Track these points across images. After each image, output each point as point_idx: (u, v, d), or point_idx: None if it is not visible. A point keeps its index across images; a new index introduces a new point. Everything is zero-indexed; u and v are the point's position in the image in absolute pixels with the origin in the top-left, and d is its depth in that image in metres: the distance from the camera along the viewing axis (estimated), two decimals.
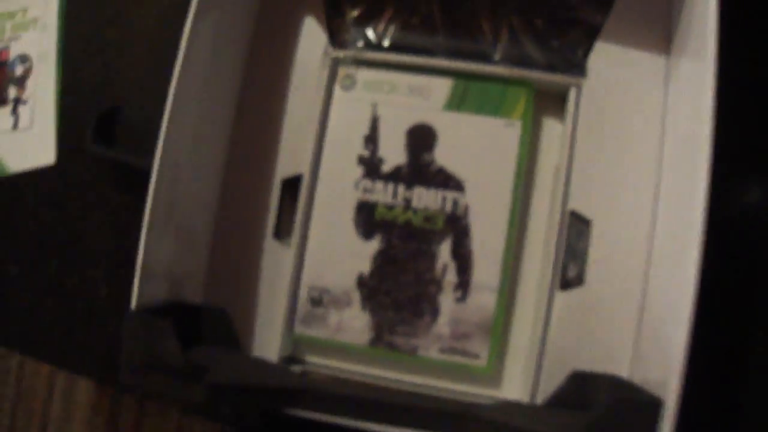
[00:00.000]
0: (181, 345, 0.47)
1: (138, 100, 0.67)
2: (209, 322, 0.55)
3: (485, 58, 0.56)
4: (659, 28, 0.55)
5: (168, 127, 0.51)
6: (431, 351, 0.55)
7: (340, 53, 0.58)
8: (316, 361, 0.57)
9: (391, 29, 0.58)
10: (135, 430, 0.76)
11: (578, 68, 0.55)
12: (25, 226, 0.69)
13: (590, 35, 0.55)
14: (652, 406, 0.43)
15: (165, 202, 0.52)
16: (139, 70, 0.67)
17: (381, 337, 0.55)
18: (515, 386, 0.55)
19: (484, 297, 0.54)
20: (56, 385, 0.84)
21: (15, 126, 0.70)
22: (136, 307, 0.49)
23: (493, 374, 0.55)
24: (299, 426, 0.56)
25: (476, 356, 0.54)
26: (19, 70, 0.70)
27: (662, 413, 0.42)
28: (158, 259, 0.51)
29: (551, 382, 0.53)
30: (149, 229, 0.50)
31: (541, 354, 0.53)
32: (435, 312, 0.55)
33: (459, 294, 0.55)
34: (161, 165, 0.50)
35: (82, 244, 0.67)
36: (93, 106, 0.67)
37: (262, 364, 0.53)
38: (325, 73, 0.58)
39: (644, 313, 0.52)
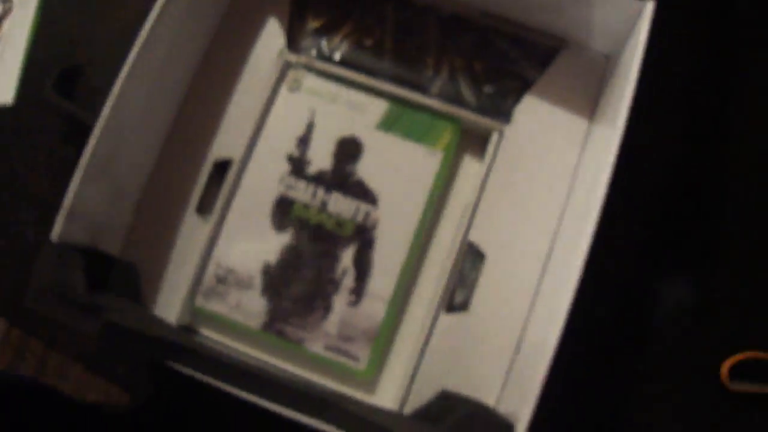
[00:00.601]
0: (87, 281, 0.51)
1: (103, 64, 0.70)
2: (119, 274, 0.58)
3: (422, 89, 0.60)
4: (588, 96, 0.59)
5: (121, 88, 0.54)
6: (316, 346, 0.58)
7: (294, 57, 0.62)
8: (209, 335, 0.60)
9: (344, 45, 0.62)
10: (37, 371, 0.78)
11: (504, 115, 0.59)
12: None
13: (522, 88, 0.60)
14: (501, 428, 0.47)
15: (102, 155, 0.55)
16: (111, 35, 0.70)
17: (273, 324, 0.58)
18: (387, 395, 0.58)
19: (375, 306, 0.58)
20: None
21: None
22: (54, 241, 0.53)
23: (369, 380, 0.58)
24: (186, 390, 0.59)
25: (357, 359, 0.58)
26: None
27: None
28: (84, 204, 0.55)
29: (421, 397, 0.56)
30: (81, 174, 0.53)
31: (416, 369, 0.56)
32: (327, 310, 0.58)
33: (353, 298, 0.58)
34: (107, 120, 0.54)
35: (18, 186, 0.70)
36: (60, 59, 0.71)
37: (157, 320, 0.57)
38: (276, 73, 0.62)
39: (519, 349, 0.56)
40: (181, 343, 0.53)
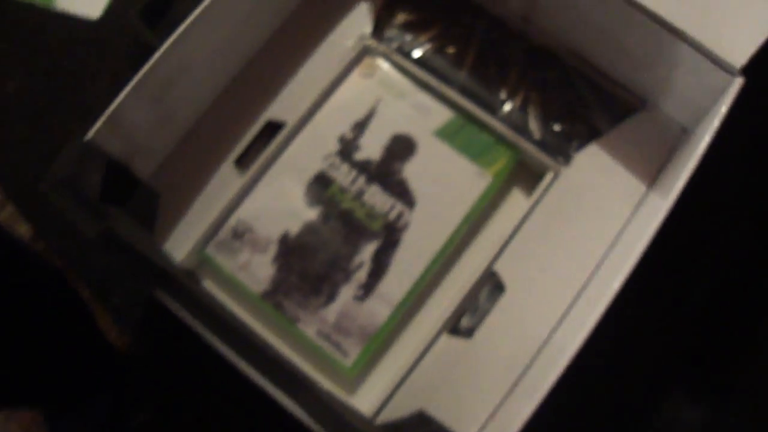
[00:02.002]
0: (103, 188, 0.50)
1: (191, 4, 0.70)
2: (139, 198, 0.58)
3: (491, 109, 0.59)
4: (654, 161, 0.58)
5: (194, 21, 0.54)
6: (310, 329, 0.56)
7: (375, 44, 0.61)
8: (208, 286, 0.59)
9: (426, 47, 0.61)
10: None
11: (564, 157, 0.57)
12: (35, 47, 0.72)
13: (590, 135, 0.58)
14: None
15: (159, 78, 0.55)
16: None
17: (274, 294, 0.57)
18: (365, 399, 0.55)
19: (380, 307, 0.56)
20: None
21: None
22: (86, 139, 0.52)
23: (352, 378, 0.56)
24: (172, 334, 0.58)
25: (345, 354, 0.56)
26: None
27: None
28: (128, 118, 0.54)
29: (397, 412, 0.54)
30: (133, 85, 0.53)
31: (402, 381, 0.54)
32: (331, 297, 0.56)
33: (360, 293, 0.56)
34: (172, 44, 0.54)
35: (75, 97, 0.71)
36: None
37: (160, 252, 0.56)
38: (353, 55, 0.61)
39: (513, 391, 0.53)
40: (176, 277, 0.52)
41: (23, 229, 0.80)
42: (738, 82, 0.49)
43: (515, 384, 0.54)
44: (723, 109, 0.49)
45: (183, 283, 0.52)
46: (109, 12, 0.73)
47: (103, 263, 0.68)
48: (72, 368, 0.84)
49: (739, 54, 0.50)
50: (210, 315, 0.52)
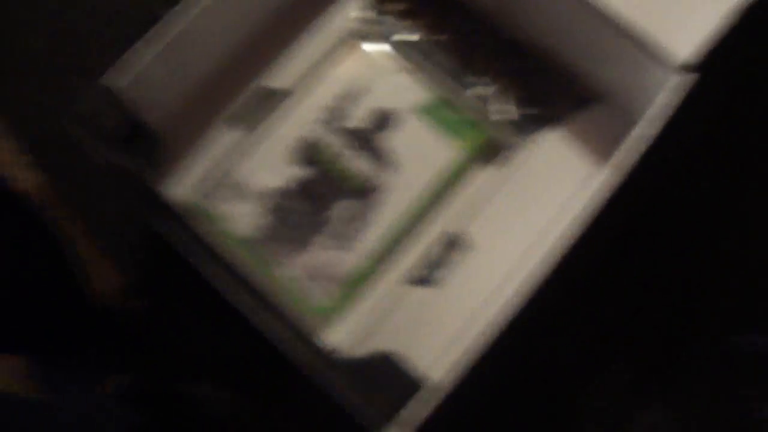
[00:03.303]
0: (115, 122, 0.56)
1: None
2: (143, 140, 0.63)
3: (463, 89, 0.66)
4: (603, 147, 0.63)
5: None
6: (286, 273, 0.61)
7: (364, 26, 0.69)
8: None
9: (411, 33, 0.68)
10: None
11: (526, 136, 0.64)
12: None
13: (549, 119, 0.65)
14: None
15: (171, 37, 0.60)
16: None
17: (254, 241, 0.62)
18: (335, 338, 0.60)
19: (353, 257, 0.62)
20: None
21: None
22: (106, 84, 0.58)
23: (322, 321, 0.61)
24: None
25: (318, 299, 0.61)
26: None
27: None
28: (142, 64, 0.60)
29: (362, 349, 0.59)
30: (145, 41, 0.59)
31: (367, 324, 0.60)
32: (309, 245, 0.62)
33: (336, 243, 0.62)
34: (183, 7, 0.60)
35: (86, 66, 0.76)
36: None
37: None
38: (346, 33, 0.68)
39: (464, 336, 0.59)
40: (175, 211, 0.57)
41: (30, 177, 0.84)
42: (678, 79, 0.56)
43: (466, 329, 0.59)
44: (663, 102, 0.55)
45: (180, 218, 0.57)
46: None
47: (106, 211, 0.72)
48: (52, 315, 0.87)
49: (683, 50, 0.56)
50: (201, 249, 0.57)
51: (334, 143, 0.64)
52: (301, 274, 0.61)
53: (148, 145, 0.63)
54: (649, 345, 0.67)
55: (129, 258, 0.71)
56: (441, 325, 0.59)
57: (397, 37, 0.68)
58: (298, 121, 0.65)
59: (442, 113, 0.65)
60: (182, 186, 0.64)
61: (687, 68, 0.56)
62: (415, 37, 0.68)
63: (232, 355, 0.67)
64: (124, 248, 0.71)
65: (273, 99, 0.66)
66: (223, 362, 0.68)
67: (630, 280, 0.68)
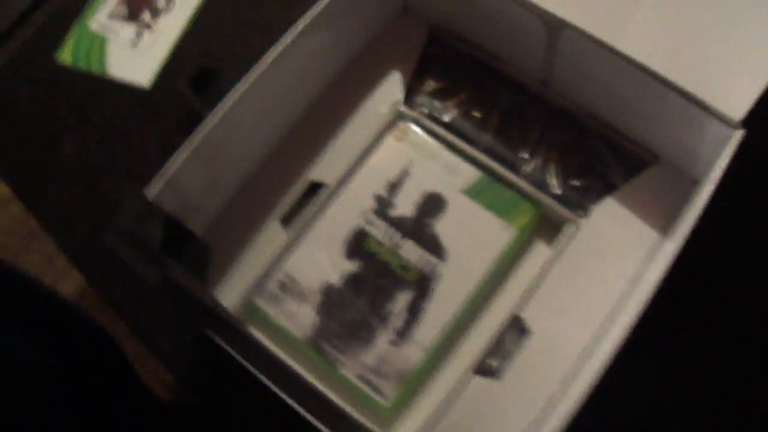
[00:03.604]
0: (163, 240, 0.56)
1: (237, 75, 0.76)
2: (193, 251, 0.63)
3: (514, 168, 0.64)
4: (667, 213, 0.62)
5: (243, 91, 0.60)
6: (350, 372, 0.61)
7: (407, 110, 0.67)
8: (255, 334, 0.64)
9: (454, 111, 0.67)
10: None
11: (583, 209, 0.63)
12: (89, 113, 0.79)
13: (606, 189, 0.63)
14: None
15: (209, 142, 0.60)
16: (252, 51, 0.77)
17: (316, 340, 0.62)
18: None
19: (414, 351, 0.61)
20: None
21: (134, 45, 0.81)
22: (148, 198, 0.58)
23: (389, 418, 0.60)
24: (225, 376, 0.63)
25: (383, 395, 0.60)
26: (161, 3, 0.82)
27: None
28: (181, 179, 0.60)
29: None
30: (188, 152, 0.59)
31: (436, 421, 0.59)
32: (370, 342, 0.61)
33: (396, 339, 0.61)
34: (223, 112, 0.60)
35: (124, 163, 0.76)
36: (199, 60, 0.78)
37: (215, 299, 0.61)
38: (387, 120, 0.67)
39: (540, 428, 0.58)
40: (232, 323, 0.57)
41: (71, 284, 0.85)
42: (738, 134, 0.54)
43: (541, 421, 0.58)
44: (724, 160, 0.54)
45: (235, 327, 0.57)
46: (158, 80, 0.79)
47: (153, 313, 0.73)
48: (116, 424, 0.89)
49: (738, 107, 0.54)
50: (259, 357, 0.57)
51: (386, 233, 0.64)
52: (365, 372, 0.61)
53: (198, 254, 0.63)
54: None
55: (180, 357, 0.71)
56: (508, 418, 0.58)
57: (439, 118, 0.67)
58: (347, 214, 0.65)
59: (491, 193, 0.64)
60: (237, 290, 0.64)
61: (742, 124, 0.55)
62: (456, 115, 0.67)
63: None
64: (171, 347, 0.71)
65: (320, 192, 0.65)
66: None
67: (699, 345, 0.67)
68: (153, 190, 0.59)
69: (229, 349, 0.56)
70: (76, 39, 0.82)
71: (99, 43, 0.82)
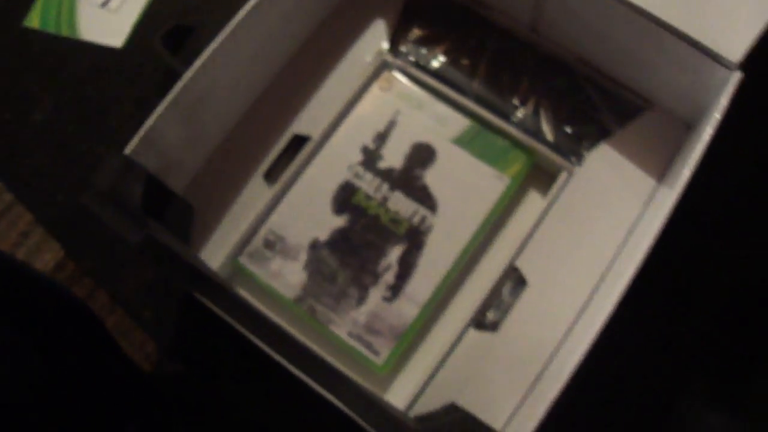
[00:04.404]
0: (143, 199, 0.53)
1: (213, 29, 0.74)
2: (174, 211, 0.60)
3: (505, 116, 0.62)
4: (662, 158, 0.60)
5: (219, 44, 0.58)
6: (342, 330, 0.59)
7: (392, 59, 0.65)
8: (243, 294, 0.61)
9: (441, 59, 0.65)
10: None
11: (577, 156, 0.61)
12: (60, 77, 0.76)
13: (600, 135, 0.61)
14: None
15: (188, 99, 0.58)
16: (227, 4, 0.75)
17: (305, 299, 0.59)
18: (398, 395, 0.58)
19: (407, 307, 0.59)
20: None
21: (104, 4, 0.78)
22: (127, 155, 0.55)
23: (385, 376, 0.58)
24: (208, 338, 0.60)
25: (377, 353, 0.58)
26: None
27: None
28: (161, 136, 0.57)
29: (429, 405, 0.56)
30: (164, 107, 0.56)
31: (432, 376, 0.57)
32: (361, 299, 0.59)
33: (388, 294, 0.59)
34: (199, 68, 0.57)
35: (101, 124, 0.74)
36: (173, 18, 0.75)
37: (198, 259, 0.58)
38: (371, 69, 0.64)
39: (539, 380, 0.56)
40: (218, 282, 0.54)
41: (48, 257, 0.82)
42: (736, 77, 0.52)
43: (540, 374, 0.56)
44: (723, 103, 0.52)
45: (221, 287, 0.55)
46: (131, 40, 0.77)
47: (133, 281, 0.71)
48: (98, 401, 0.86)
49: (736, 49, 0.53)
50: (246, 317, 0.54)
51: (375, 186, 0.61)
52: (357, 330, 0.58)
53: (180, 213, 0.61)
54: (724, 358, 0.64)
55: (162, 324, 0.68)
56: (507, 372, 0.57)
57: (426, 66, 0.65)
58: (333, 167, 0.62)
59: (482, 141, 0.62)
60: (221, 249, 0.61)
61: (739, 67, 0.53)
62: (444, 63, 0.65)
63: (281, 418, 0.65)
64: (153, 315, 0.68)
65: (305, 146, 0.62)
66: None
67: (703, 293, 0.65)
68: (131, 147, 0.56)
69: (215, 309, 0.54)
70: (44, 2, 0.79)
71: (68, 5, 0.79)
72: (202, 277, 0.55)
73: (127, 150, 0.55)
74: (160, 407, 0.91)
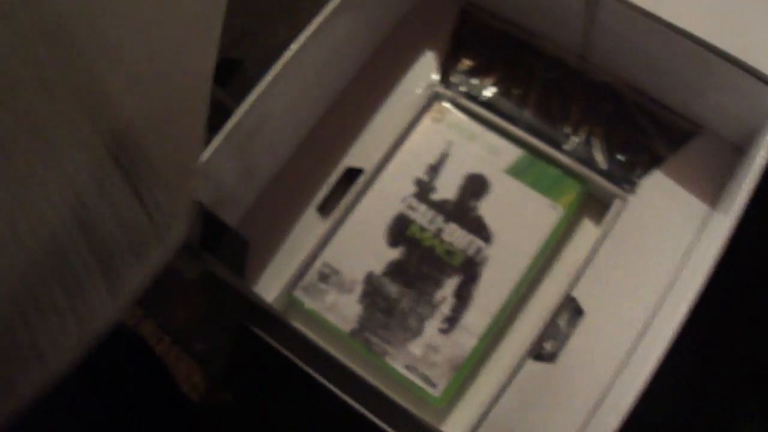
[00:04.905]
0: (202, 234, 0.54)
1: (263, 64, 0.74)
2: (229, 244, 0.61)
3: (557, 145, 0.62)
4: (715, 182, 0.60)
5: (273, 78, 0.59)
6: (398, 363, 0.59)
7: (443, 90, 0.65)
8: (297, 327, 0.61)
9: (492, 89, 0.65)
10: None
11: (630, 184, 0.60)
12: None
13: (652, 162, 0.61)
14: None
15: (241, 133, 0.58)
16: (277, 39, 0.75)
17: (362, 332, 0.60)
18: (455, 428, 0.58)
19: (465, 338, 0.59)
20: None
21: None
22: None
23: (442, 409, 0.58)
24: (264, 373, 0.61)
25: (434, 386, 0.58)
26: None
27: None
28: (215, 171, 0.58)
29: None
30: (219, 142, 0.57)
31: (490, 407, 0.56)
32: (418, 331, 0.59)
33: (445, 326, 0.59)
34: (252, 102, 0.58)
35: None
36: (223, 52, 0.76)
37: (254, 293, 0.59)
38: (424, 101, 0.65)
39: (597, 411, 0.56)
40: (273, 315, 0.55)
41: None
42: None
43: (599, 403, 0.56)
44: None
45: (276, 319, 0.55)
46: None
47: (184, 312, 0.71)
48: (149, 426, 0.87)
49: None
50: (302, 348, 0.55)
51: (429, 218, 0.62)
52: (414, 362, 0.58)
53: (236, 247, 0.61)
54: None
55: (213, 355, 0.69)
56: (566, 403, 0.56)
57: (477, 97, 0.65)
58: (387, 199, 0.63)
59: (535, 171, 0.62)
60: (276, 283, 0.61)
61: None
62: (494, 93, 0.65)
63: None
64: (205, 346, 0.69)
65: (358, 179, 0.63)
66: None
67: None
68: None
69: (270, 340, 0.54)
70: None
71: None
72: (257, 309, 0.55)
73: None
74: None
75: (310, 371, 0.53)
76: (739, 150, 0.61)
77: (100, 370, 0.77)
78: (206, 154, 0.57)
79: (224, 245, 0.61)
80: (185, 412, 0.89)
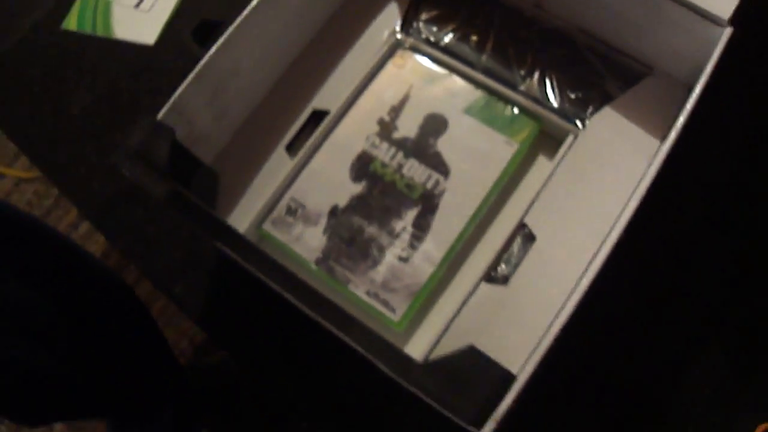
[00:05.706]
0: (170, 159, 0.57)
1: None
2: (201, 179, 0.64)
3: (512, 86, 0.66)
4: (664, 120, 0.62)
5: (240, 23, 0.63)
6: (359, 289, 0.62)
7: (404, 38, 0.69)
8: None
9: (451, 36, 0.68)
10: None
11: (582, 121, 0.63)
12: (96, 73, 0.81)
13: (603, 100, 0.64)
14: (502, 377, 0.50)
15: (213, 77, 0.62)
16: None
17: (325, 261, 0.63)
18: (415, 349, 0.60)
19: (422, 266, 0.61)
20: None
21: (137, 5, 0.83)
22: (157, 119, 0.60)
23: (401, 332, 0.61)
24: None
25: (393, 310, 0.61)
26: None
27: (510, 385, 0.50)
28: (189, 109, 0.61)
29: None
30: (189, 81, 0.61)
31: (447, 327, 0.59)
32: (378, 259, 0.62)
33: (404, 254, 0.62)
34: (222, 45, 0.62)
35: (135, 114, 0.78)
36: (204, 14, 0.80)
37: (222, 220, 0.62)
38: (386, 49, 0.68)
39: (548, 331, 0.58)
40: (240, 236, 0.58)
41: (94, 248, 0.86)
42: (727, 33, 0.55)
43: (550, 325, 0.58)
44: (715, 57, 0.54)
45: (242, 237, 0.58)
46: (163, 38, 0.81)
47: (166, 260, 0.74)
48: (137, 381, 0.90)
49: (725, 6, 0.56)
50: (268, 268, 0.57)
51: (389, 155, 0.65)
52: (375, 288, 0.61)
53: (207, 181, 0.64)
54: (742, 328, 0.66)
55: (192, 296, 0.72)
56: (518, 323, 0.59)
57: (437, 43, 0.68)
58: (351, 138, 0.66)
59: (491, 110, 0.65)
60: (246, 217, 0.65)
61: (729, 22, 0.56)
62: (453, 39, 0.68)
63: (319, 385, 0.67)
64: (183, 289, 0.71)
65: (323, 122, 0.66)
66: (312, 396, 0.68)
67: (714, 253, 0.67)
68: (161, 114, 0.60)
69: (239, 260, 0.57)
70: (81, 6, 0.85)
71: (103, 8, 0.84)
72: (225, 229, 0.58)
73: (159, 115, 0.60)
74: (194, 396, 0.94)
75: (277, 288, 0.56)
76: (689, 89, 0.64)
77: (77, 308, 0.80)
78: (179, 90, 0.60)
79: (196, 180, 0.65)
80: (174, 369, 0.91)
